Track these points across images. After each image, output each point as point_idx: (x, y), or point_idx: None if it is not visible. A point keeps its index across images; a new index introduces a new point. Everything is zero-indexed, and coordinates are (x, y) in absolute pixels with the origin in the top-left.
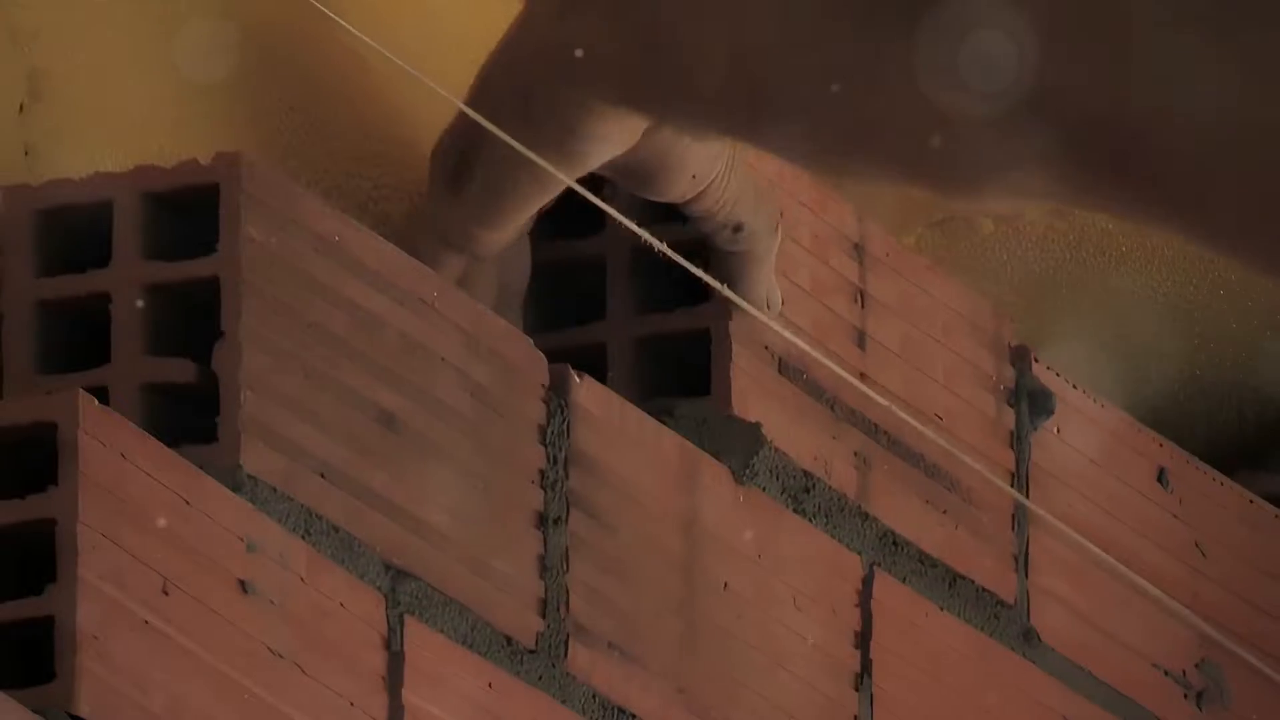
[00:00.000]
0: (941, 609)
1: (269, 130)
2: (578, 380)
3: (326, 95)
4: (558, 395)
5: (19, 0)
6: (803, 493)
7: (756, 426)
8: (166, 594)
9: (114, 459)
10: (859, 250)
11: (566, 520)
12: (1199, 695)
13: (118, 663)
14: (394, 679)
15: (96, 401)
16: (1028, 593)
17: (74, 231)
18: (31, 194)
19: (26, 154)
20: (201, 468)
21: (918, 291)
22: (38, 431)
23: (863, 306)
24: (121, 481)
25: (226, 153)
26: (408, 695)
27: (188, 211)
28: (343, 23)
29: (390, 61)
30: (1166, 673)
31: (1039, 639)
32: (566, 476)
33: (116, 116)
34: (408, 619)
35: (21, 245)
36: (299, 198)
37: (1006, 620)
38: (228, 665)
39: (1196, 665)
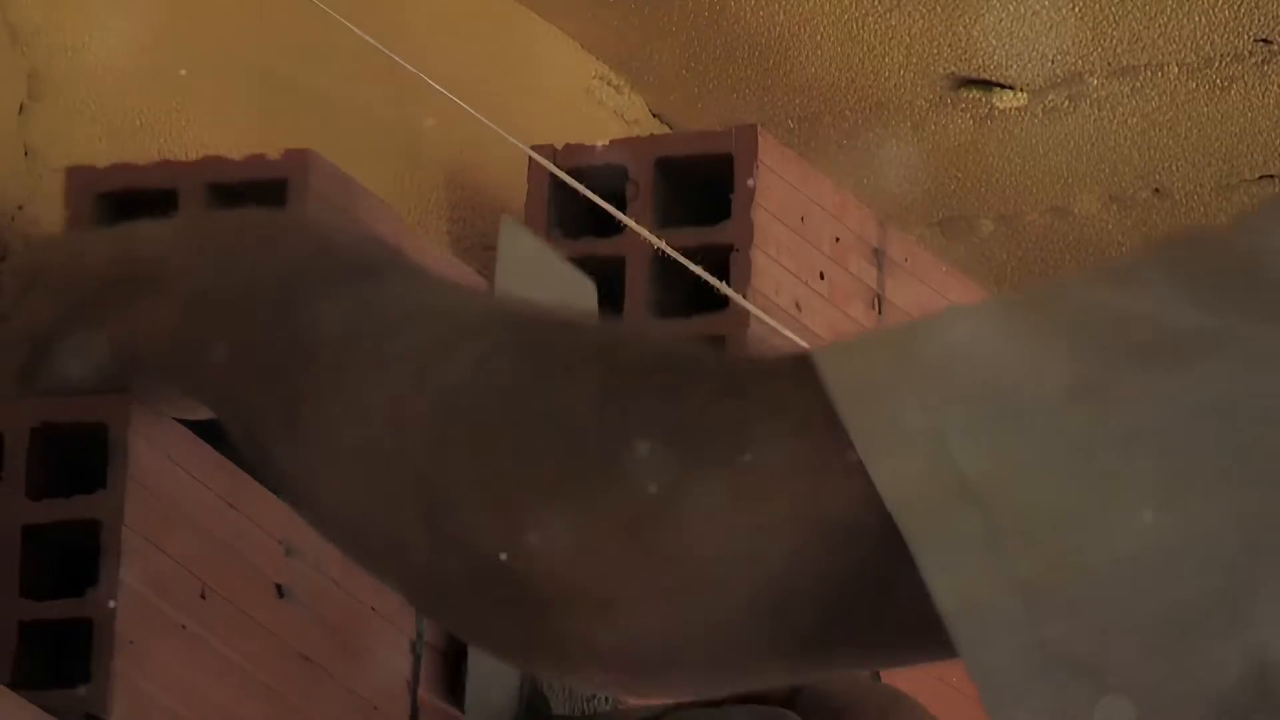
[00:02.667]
0: None
1: (270, 131)
2: None
3: (327, 95)
4: None
5: (19, 0)
6: None
7: None
8: (204, 598)
9: (161, 461)
10: (879, 255)
11: None
12: None
13: (152, 668)
14: (419, 683)
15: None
16: None
17: (137, 218)
18: (96, 176)
19: (26, 154)
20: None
21: (935, 296)
22: (87, 431)
23: (880, 312)
24: (167, 484)
25: (296, 149)
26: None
27: (251, 204)
28: (346, 22)
29: (395, 63)
30: None
31: None
32: None
33: (116, 116)
34: None
35: (83, 228)
36: (361, 195)
37: None
38: (260, 670)
39: None
